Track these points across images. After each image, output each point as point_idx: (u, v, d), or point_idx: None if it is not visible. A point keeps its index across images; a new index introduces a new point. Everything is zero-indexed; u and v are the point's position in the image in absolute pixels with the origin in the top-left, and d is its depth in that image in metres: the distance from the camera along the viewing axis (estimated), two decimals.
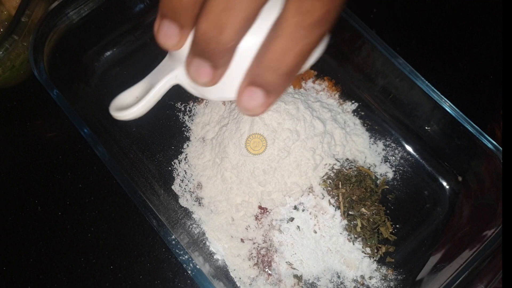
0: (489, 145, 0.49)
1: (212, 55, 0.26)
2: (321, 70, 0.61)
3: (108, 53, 0.62)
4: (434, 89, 0.50)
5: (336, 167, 0.55)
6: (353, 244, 0.53)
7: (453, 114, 0.50)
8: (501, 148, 0.49)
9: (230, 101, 0.59)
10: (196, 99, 0.61)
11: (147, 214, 0.48)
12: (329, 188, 0.55)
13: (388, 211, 0.55)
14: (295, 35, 0.25)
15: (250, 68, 0.27)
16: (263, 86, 0.27)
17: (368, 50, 0.54)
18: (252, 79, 0.27)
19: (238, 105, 0.28)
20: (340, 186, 0.54)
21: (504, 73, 0.42)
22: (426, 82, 0.51)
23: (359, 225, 0.53)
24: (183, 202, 0.56)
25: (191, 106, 0.60)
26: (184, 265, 0.45)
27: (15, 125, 0.62)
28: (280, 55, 0.25)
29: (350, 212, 0.54)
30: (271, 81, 0.26)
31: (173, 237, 0.47)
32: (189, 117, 0.60)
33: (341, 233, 0.54)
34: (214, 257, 0.53)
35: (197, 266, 0.45)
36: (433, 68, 0.63)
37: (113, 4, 0.57)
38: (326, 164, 0.55)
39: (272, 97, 0.27)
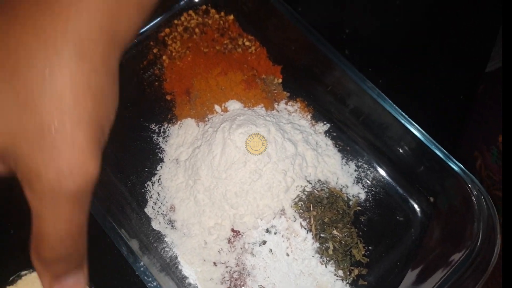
0: (456, 168, 0.49)
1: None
2: (293, 91, 0.62)
3: None
4: (402, 112, 0.51)
5: (307, 189, 0.55)
6: (326, 266, 0.53)
7: (421, 138, 0.50)
8: (468, 171, 0.49)
9: (204, 122, 0.59)
10: (171, 120, 0.61)
11: (116, 240, 0.48)
12: (300, 211, 0.55)
13: (360, 233, 0.56)
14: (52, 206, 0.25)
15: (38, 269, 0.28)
16: (59, 276, 0.28)
17: (338, 73, 0.55)
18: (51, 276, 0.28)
19: None
20: (311, 208, 0.54)
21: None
22: (394, 105, 0.51)
23: (331, 247, 0.53)
24: (155, 225, 0.55)
25: (165, 127, 0.60)
26: None
27: None
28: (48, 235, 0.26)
29: (322, 235, 0.54)
30: (60, 269, 0.28)
31: (141, 263, 0.46)
32: (163, 138, 0.60)
33: (313, 256, 0.54)
34: (186, 281, 0.53)
35: None
36: (406, 89, 0.64)
37: None
38: (297, 186, 0.55)
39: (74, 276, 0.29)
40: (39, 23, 0.24)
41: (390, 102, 0.51)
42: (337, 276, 0.53)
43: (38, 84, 0.24)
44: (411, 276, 0.54)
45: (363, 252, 0.55)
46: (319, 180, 0.57)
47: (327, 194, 0.56)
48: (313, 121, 0.60)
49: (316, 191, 0.56)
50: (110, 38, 0.26)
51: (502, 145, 0.56)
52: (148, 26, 0.62)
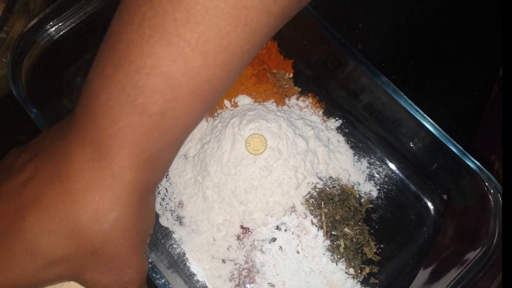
0: (472, 165, 0.48)
1: None
2: (305, 86, 0.60)
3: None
4: (417, 108, 0.50)
5: (319, 186, 0.54)
6: (336, 264, 0.52)
7: (436, 134, 0.49)
8: (484, 168, 0.48)
9: (213, 117, 0.58)
10: None
11: None
12: (311, 208, 0.54)
13: (372, 231, 0.55)
14: None
15: None
16: None
17: (352, 68, 0.54)
18: None
19: None
20: (322, 205, 0.53)
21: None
22: (409, 101, 0.50)
23: (342, 245, 0.52)
24: (163, 221, 0.55)
25: None
26: None
27: None
28: None
29: (333, 232, 0.53)
30: None
31: (149, 260, 0.45)
32: None
33: (324, 254, 0.53)
34: (195, 278, 0.52)
35: None
36: (419, 85, 0.63)
37: (95, 20, 0.56)
38: (308, 183, 0.54)
39: None
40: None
41: (405, 97, 0.50)
42: (348, 274, 0.52)
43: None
44: (423, 274, 0.53)
45: (374, 250, 0.54)
46: (331, 177, 0.56)
47: (339, 191, 0.55)
48: (324, 117, 0.59)
49: (327, 188, 0.55)
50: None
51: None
52: None
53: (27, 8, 0.56)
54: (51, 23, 0.53)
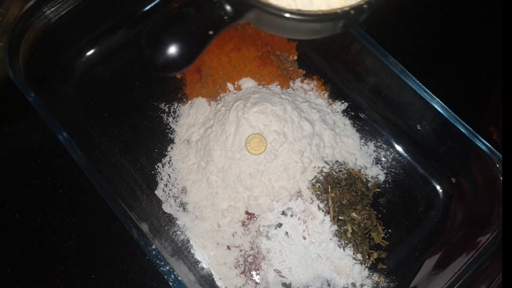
0: (483, 147, 0.47)
1: None
2: (309, 69, 0.59)
3: (89, 53, 0.59)
4: (425, 89, 0.48)
5: (325, 170, 0.53)
6: (344, 250, 0.51)
7: (445, 115, 0.48)
8: (495, 150, 0.47)
9: (216, 101, 0.57)
10: (181, 100, 0.58)
11: (127, 223, 0.46)
12: (318, 192, 0.53)
13: (379, 215, 0.53)
14: None
15: None
16: None
17: (357, 49, 0.52)
18: None
19: None
20: (329, 190, 0.52)
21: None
22: (417, 81, 0.49)
23: (350, 230, 0.51)
24: (166, 207, 0.53)
25: (175, 107, 0.58)
26: (165, 277, 0.43)
27: None
28: None
29: (340, 217, 0.52)
30: None
31: (153, 247, 0.44)
32: (173, 118, 0.58)
33: (331, 239, 0.51)
34: (199, 265, 0.51)
35: (179, 278, 0.43)
36: (425, 67, 0.61)
37: (94, 2, 0.55)
38: (314, 167, 0.53)
39: None
40: None
41: (413, 78, 0.48)
42: (356, 260, 0.51)
43: None
44: (432, 259, 0.52)
45: (382, 235, 0.53)
46: (337, 161, 0.55)
47: (345, 175, 0.54)
48: (330, 100, 0.58)
49: (334, 172, 0.54)
50: None
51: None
52: (158, 0, 0.60)
53: None
54: (48, 5, 0.51)
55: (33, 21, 0.51)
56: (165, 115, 0.58)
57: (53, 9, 0.52)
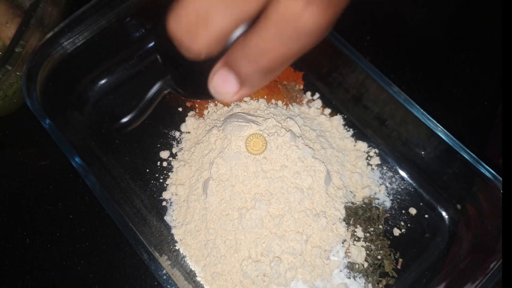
0: (487, 174, 0.48)
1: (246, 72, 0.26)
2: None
3: (102, 82, 0.62)
4: (429, 117, 0.50)
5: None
6: (354, 280, 0.51)
7: (449, 142, 0.49)
8: (499, 177, 0.48)
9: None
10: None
11: (137, 247, 0.46)
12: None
13: (388, 242, 0.54)
14: (285, 37, 0.24)
15: (231, 50, 0.26)
16: (237, 73, 0.26)
17: (362, 78, 0.54)
18: (228, 61, 0.26)
19: (209, 85, 0.27)
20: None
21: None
22: (421, 110, 0.50)
23: (363, 263, 0.52)
24: (176, 234, 0.54)
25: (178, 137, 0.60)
26: None
27: (5, 154, 0.61)
28: (263, 50, 0.24)
29: (354, 250, 0.52)
30: (246, 71, 0.26)
31: (164, 271, 0.45)
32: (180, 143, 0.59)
33: (341, 271, 0.52)
34: None
35: None
36: (428, 95, 0.63)
37: (108, 34, 0.57)
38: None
39: (244, 89, 0.27)
40: None
41: (417, 106, 0.50)
42: None
43: None
44: (440, 286, 0.52)
45: (393, 267, 0.53)
46: (351, 191, 0.56)
47: (361, 203, 0.55)
48: (339, 128, 0.59)
49: (350, 204, 0.54)
50: None
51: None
52: None
53: (42, 23, 0.57)
54: (65, 37, 0.53)
55: (51, 52, 0.53)
56: (175, 142, 0.59)
57: (70, 40, 0.54)
